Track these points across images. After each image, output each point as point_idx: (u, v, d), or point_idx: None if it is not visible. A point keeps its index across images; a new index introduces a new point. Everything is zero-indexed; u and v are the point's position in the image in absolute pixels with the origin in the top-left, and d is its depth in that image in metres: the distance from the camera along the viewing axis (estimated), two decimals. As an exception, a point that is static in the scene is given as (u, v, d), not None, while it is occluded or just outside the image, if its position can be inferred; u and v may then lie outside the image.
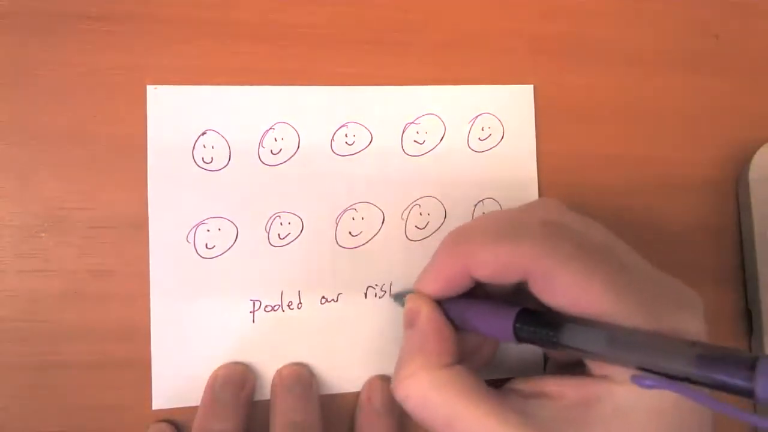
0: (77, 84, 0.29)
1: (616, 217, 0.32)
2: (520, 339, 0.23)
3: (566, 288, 0.22)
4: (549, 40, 0.33)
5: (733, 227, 0.34)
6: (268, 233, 0.29)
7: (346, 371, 0.29)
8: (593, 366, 0.22)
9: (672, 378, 0.19)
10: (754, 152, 0.32)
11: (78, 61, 0.29)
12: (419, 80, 0.31)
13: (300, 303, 0.29)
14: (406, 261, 0.30)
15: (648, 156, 0.33)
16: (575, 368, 0.24)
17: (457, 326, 0.25)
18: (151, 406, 0.28)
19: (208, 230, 0.29)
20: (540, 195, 0.32)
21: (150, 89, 0.29)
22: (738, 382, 0.18)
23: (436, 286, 0.25)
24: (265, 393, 0.29)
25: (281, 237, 0.29)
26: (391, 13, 0.31)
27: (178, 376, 0.28)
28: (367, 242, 0.30)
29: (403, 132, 0.31)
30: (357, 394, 0.29)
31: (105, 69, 0.29)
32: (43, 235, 0.28)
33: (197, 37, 0.30)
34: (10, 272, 0.27)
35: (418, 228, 0.31)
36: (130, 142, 0.29)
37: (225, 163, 0.29)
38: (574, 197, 0.32)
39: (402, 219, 0.30)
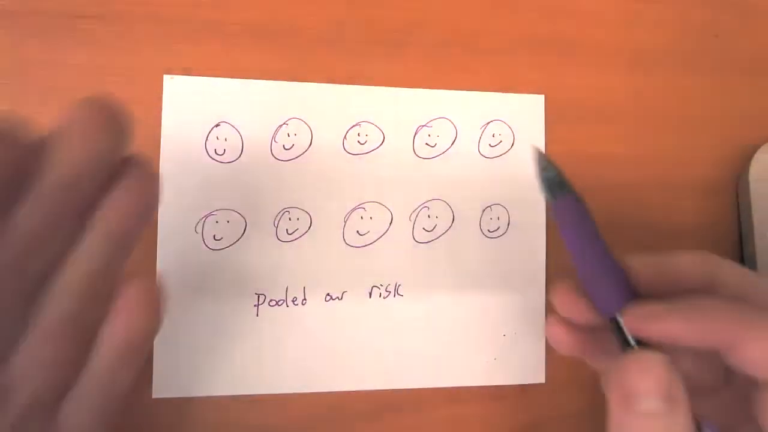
0: (77, 84, 0.28)
1: (617, 217, 0.32)
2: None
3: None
4: (549, 41, 0.33)
5: (733, 227, 0.34)
6: (276, 228, 0.29)
7: (347, 370, 0.29)
8: None
9: None
10: (754, 152, 0.33)
11: (78, 61, 0.29)
12: (419, 82, 0.31)
13: (305, 299, 0.29)
14: (413, 262, 0.30)
15: (648, 156, 0.33)
16: None
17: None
18: (151, 396, 0.28)
19: (217, 222, 0.29)
20: (547, 202, 0.31)
21: (167, 78, 0.29)
22: None
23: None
24: (267, 387, 0.29)
25: (289, 232, 0.29)
26: (390, 14, 0.31)
27: (179, 367, 0.28)
28: (374, 242, 0.30)
29: (415, 134, 0.31)
30: (357, 393, 0.29)
31: (105, 69, 0.29)
32: (43, 235, 0.28)
33: (196, 36, 0.29)
34: (11, 273, 0.27)
35: (426, 230, 0.31)
36: (131, 141, 0.28)
37: (237, 156, 0.29)
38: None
39: (410, 220, 0.30)
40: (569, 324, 0.25)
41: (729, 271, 0.23)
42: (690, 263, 0.24)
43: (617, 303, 0.23)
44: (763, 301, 0.22)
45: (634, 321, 0.22)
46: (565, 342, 0.25)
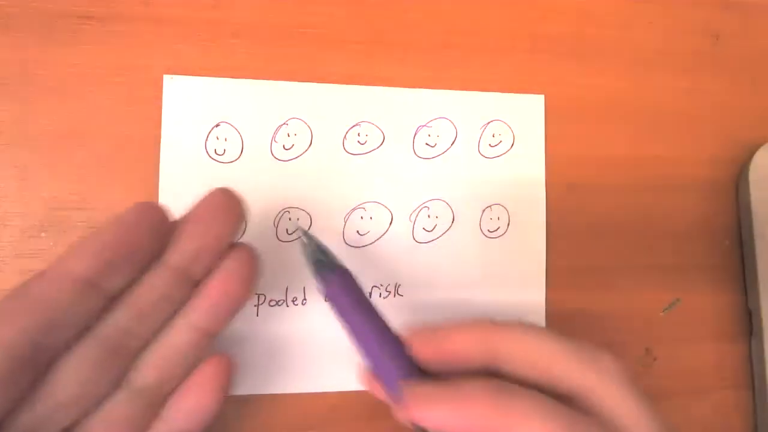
0: (77, 84, 0.28)
1: (616, 217, 0.32)
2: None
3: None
4: (549, 41, 0.33)
5: (733, 227, 0.34)
6: (276, 228, 0.29)
7: (347, 370, 0.29)
8: None
9: None
10: (754, 152, 0.33)
11: (78, 61, 0.28)
12: (419, 82, 0.31)
13: (305, 299, 0.29)
14: (412, 262, 0.30)
15: (648, 156, 0.33)
16: None
17: None
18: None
19: None
20: (547, 202, 0.32)
21: (166, 78, 0.29)
22: None
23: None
24: (267, 388, 0.29)
25: (289, 232, 0.29)
26: (391, 14, 0.31)
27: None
28: (374, 242, 0.30)
29: (416, 134, 0.31)
30: (357, 393, 0.29)
31: (105, 69, 0.29)
32: (43, 235, 0.28)
33: (196, 36, 0.29)
34: (10, 272, 0.27)
35: (426, 230, 0.31)
36: (132, 140, 0.28)
37: (237, 156, 0.29)
38: (575, 197, 0.32)
39: (410, 220, 0.30)
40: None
41: (511, 344, 0.23)
42: (467, 341, 0.23)
43: (395, 380, 0.23)
44: (548, 372, 0.22)
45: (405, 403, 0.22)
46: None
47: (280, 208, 0.29)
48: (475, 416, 0.21)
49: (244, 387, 0.28)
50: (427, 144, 0.31)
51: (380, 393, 0.25)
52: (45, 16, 0.28)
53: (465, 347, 0.23)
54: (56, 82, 0.28)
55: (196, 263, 0.22)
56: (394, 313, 0.30)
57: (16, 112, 0.28)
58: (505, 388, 0.21)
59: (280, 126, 0.30)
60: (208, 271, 0.23)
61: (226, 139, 0.29)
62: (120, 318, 0.22)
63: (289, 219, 0.29)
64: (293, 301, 0.29)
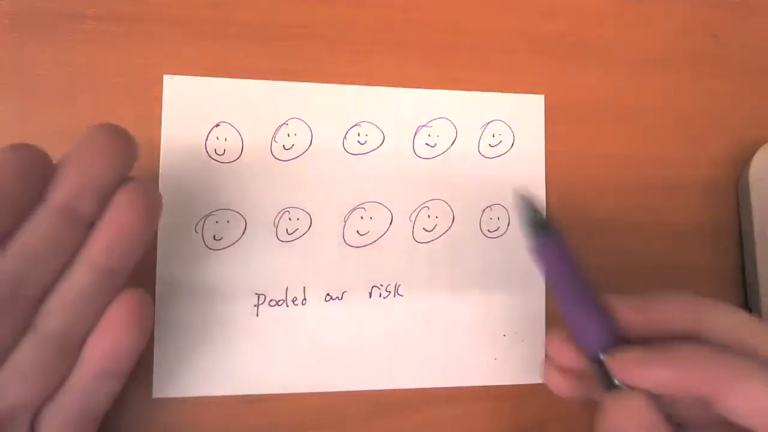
0: (77, 84, 0.28)
1: (616, 217, 0.32)
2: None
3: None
4: (549, 41, 0.33)
5: (733, 227, 0.34)
6: (276, 228, 0.29)
7: (348, 370, 0.29)
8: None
9: None
10: (754, 152, 0.32)
11: (78, 61, 0.29)
12: (419, 82, 0.31)
13: (305, 299, 0.29)
14: (412, 262, 0.30)
15: (648, 156, 0.33)
16: None
17: None
18: (151, 396, 0.28)
19: (217, 222, 0.29)
20: (547, 202, 0.32)
21: (167, 78, 0.29)
22: None
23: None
24: (266, 387, 0.29)
25: (289, 232, 0.29)
26: (391, 13, 0.31)
27: (179, 366, 0.28)
28: (374, 242, 0.30)
29: (416, 134, 0.31)
30: (357, 393, 0.29)
31: (105, 69, 0.29)
32: (43, 235, 0.28)
33: (197, 37, 0.29)
34: (11, 273, 0.27)
35: (426, 230, 0.31)
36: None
37: (237, 156, 0.29)
38: (575, 197, 0.32)
39: (410, 220, 0.30)
40: (564, 370, 0.25)
41: (716, 315, 0.23)
42: (676, 308, 0.24)
43: (599, 343, 0.23)
44: (751, 345, 0.22)
45: (616, 366, 0.22)
46: (564, 387, 0.25)
47: (280, 208, 0.29)
48: (690, 376, 0.21)
49: (245, 387, 0.28)
50: (427, 144, 0.31)
51: (569, 358, 0.25)
52: (45, 16, 0.28)
53: (672, 315, 0.24)
54: (56, 82, 0.28)
55: (81, 201, 0.21)
56: (394, 313, 0.30)
57: (16, 112, 0.28)
58: (718, 350, 0.22)
59: (280, 126, 0.30)
60: (101, 209, 0.22)
61: (226, 139, 0.29)
62: (8, 265, 0.21)
63: (289, 219, 0.29)
64: (293, 301, 0.29)
